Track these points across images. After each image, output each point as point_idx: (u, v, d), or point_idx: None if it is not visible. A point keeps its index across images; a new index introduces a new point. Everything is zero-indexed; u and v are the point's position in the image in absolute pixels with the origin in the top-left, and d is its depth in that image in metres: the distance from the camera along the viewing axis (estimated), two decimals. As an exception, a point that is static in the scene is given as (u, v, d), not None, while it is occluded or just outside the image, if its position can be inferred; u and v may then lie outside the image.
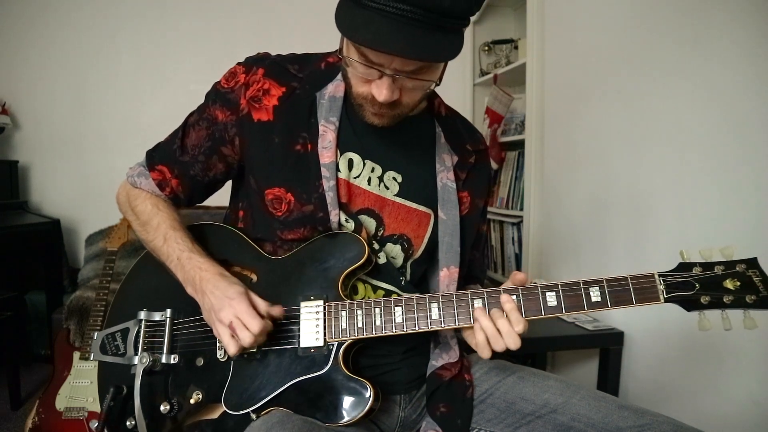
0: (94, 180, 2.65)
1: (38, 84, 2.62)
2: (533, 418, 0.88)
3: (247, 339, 0.77)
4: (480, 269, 1.09)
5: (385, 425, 0.92)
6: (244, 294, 0.80)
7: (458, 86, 2.83)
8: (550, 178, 2.16)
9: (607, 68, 1.78)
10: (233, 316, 0.78)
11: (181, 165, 0.94)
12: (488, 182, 1.05)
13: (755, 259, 0.73)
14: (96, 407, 1.70)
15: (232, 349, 0.79)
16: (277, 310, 0.82)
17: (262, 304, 0.81)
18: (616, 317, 1.75)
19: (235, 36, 2.71)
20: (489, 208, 1.19)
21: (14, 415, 2.10)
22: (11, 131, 2.59)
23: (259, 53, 0.93)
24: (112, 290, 1.81)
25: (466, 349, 0.98)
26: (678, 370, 1.51)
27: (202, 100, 0.94)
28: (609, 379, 1.71)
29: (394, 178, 0.91)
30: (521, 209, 2.37)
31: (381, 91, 0.75)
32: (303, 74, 0.89)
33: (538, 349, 2.04)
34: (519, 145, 2.42)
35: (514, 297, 0.79)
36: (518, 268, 2.45)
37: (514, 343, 0.77)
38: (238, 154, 0.91)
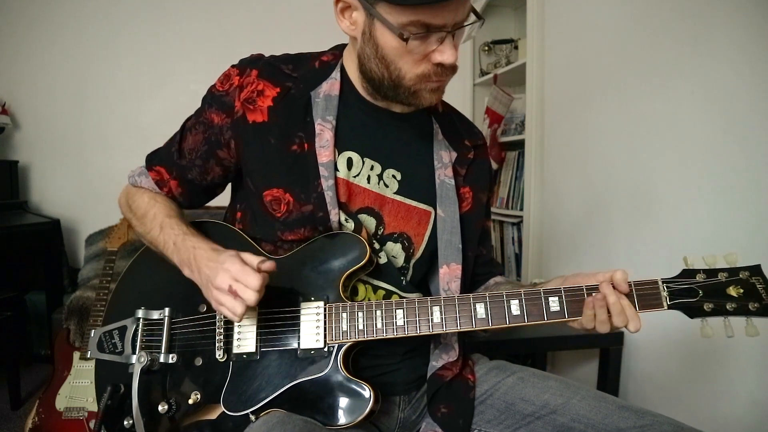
0: (94, 180, 2.64)
1: (38, 84, 2.62)
2: (533, 419, 0.87)
3: (251, 297, 0.74)
4: (495, 265, 1.07)
5: (385, 426, 0.92)
6: (234, 255, 0.78)
7: (458, 86, 2.82)
8: (550, 178, 2.16)
9: (607, 68, 1.78)
10: (230, 279, 0.75)
11: (179, 168, 0.94)
12: (489, 176, 1.04)
13: (759, 266, 0.72)
14: (96, 407, 1.69)
15: (239, 310, 0.75)
16: (268, 265, 0.78)
17: (253, 260, 0.78)
18: (617, 317, 1.75)
19: (234, 36, 2.71)
20: (489, 208, 1.17)
21: (14, 415, 2.10)
22: (11, 131, 2.59)
23: (252, 55, 0.92)
24: (112, 290, 1.81)
25: (469, 349, 0.97)
26: (678, 369, 1.51)
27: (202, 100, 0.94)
28: (609, 379, 1.71)
29: (393, 176, 0.91)
30: (521, 209, 2.37)
31: (448, 53, 0.76)
32: (297, 74, 0.89)
33: (538, 349, 2.04)
34: (519, 145, 2.42)
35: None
36: (518, 268, 2.45)
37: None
38: (235, 156, 0.90)
